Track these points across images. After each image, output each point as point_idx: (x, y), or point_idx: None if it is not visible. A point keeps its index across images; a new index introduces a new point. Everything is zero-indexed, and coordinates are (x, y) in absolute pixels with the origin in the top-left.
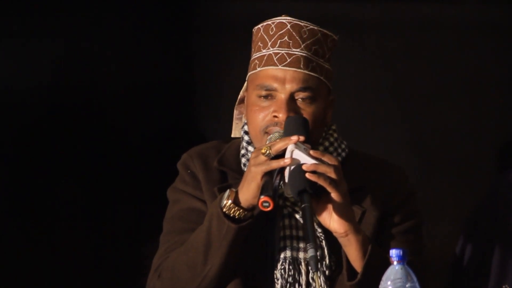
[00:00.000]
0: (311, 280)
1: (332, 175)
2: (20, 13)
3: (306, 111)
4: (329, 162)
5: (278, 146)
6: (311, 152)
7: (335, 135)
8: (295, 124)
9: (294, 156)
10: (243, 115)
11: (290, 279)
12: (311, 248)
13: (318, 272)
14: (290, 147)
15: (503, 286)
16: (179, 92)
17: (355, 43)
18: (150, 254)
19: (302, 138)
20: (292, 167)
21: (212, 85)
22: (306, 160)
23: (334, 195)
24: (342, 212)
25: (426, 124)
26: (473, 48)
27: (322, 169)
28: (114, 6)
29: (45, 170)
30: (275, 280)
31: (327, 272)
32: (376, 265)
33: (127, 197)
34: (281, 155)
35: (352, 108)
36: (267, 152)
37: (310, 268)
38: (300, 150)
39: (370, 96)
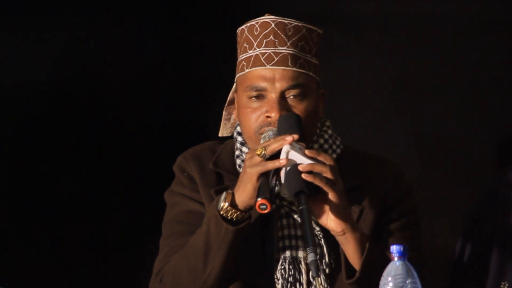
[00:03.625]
0: (311, 279)
1: (328, 174)
2: (19, 7)
3: (298, 108)
4: (325, 162)
5: (273, 146)
6: (307, 151)
7: (329, 131)
8: (288, 122)
9: (289, 157)
10: (232, 115)
11: (290, 279)
12: (311, 252)
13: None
14: (286, 147)
15: (502, 283)
16: (182, 89)
17: (356, 38)
18: (153, 251)
19: (296, 136)
20: (288, 168)
21: (215, 82)
22: (302, 160)
23: (330, 194)
24: (339, 211)
25: (427, 121)
26: (474, 43)
27: (318, 169)
28: (118, 1)
29: (46, 167)
30: (276, 280)
31: (327, 270)
32: (374, 263)
33: (129, 195)
34: (276, 155)
35: (352, 104)
36: (262, 153)
37: (310, 272)
38: (295, 150)
39: (370, 92)
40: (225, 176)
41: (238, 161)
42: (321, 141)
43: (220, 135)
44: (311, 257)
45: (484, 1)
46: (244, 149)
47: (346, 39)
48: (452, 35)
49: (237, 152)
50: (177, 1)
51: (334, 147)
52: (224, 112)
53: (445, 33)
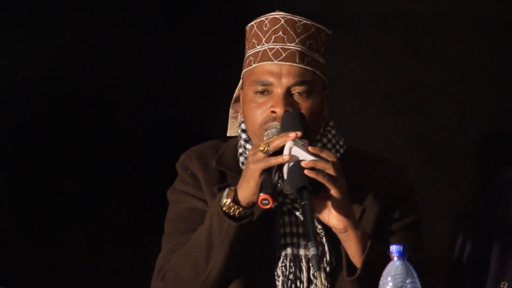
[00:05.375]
0: (312, 277)
1: (331, 171)
2: (19, 7)
3: (303, 105)
4: (328, 158)
5: (276, 143)
6: (310, 148)
7: (333, 131)
8: (292, 119)
9: (292, 153)
10: (239, 113)
11: (291, 276)
12: (313, 246)
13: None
14: (289, 144)
15: (502, 283)
16: (182, 89)
17: (355, 38)
18: (155, 250)
19: (299, 133)
20: (291, 164)
21: (216, 81)
22: (305, 157)
23: (333, 191)
24: (341, 208)
25: (427, 121)
26: (474, 43)
27: (321, 165)
28: (118, 1)
29: (46, 167)
30: (276, 277)
31: (328, 268)
32: (376, 261)
33: (130, 194)
34: (279, 151)
35: (353, 104)
36: (265, 149)
37: (311, 266)
38: (298, 146)
39: (370, 92)
40: (228, 175)
41: (241, 159)
42: (325, 140)
43: (228, 134)
44: (312, 251)
45: (484, 1)
46: (248, 146)
47: (346, 39)
48: (452, 35)
49: (240, 150)
50: (177, 2)
51: (338, 147)
52: (230, 110)
53: (445, 33)
